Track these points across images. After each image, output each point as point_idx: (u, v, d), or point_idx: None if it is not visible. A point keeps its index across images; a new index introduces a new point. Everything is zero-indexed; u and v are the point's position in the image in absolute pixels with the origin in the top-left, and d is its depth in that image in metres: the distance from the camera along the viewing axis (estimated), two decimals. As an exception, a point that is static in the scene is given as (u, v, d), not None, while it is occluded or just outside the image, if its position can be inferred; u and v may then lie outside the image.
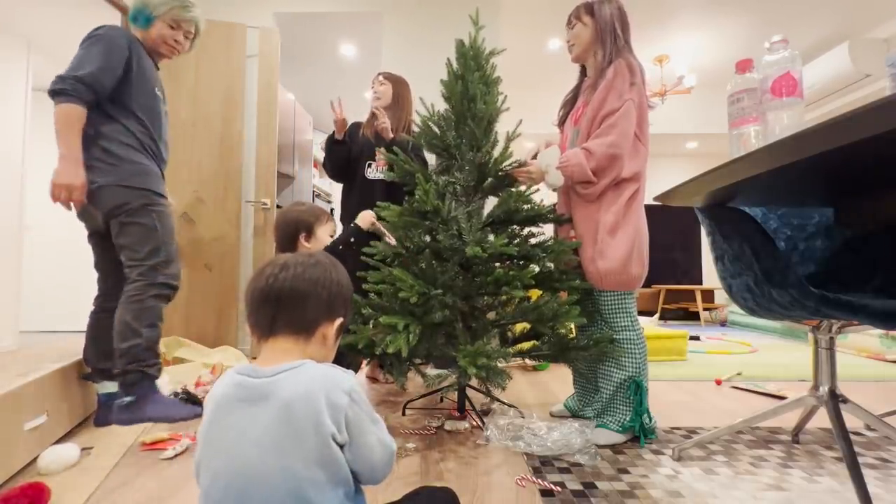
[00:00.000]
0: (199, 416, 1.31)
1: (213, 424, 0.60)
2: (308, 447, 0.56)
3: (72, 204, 1.35)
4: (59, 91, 1.31)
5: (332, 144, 2.11)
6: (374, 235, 1.56)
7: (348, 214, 2.15)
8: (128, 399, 1.36)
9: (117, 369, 1.39)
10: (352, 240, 1.37)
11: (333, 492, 0.58)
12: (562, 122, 1.63)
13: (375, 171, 2.10)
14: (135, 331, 1.38)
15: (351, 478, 0.61)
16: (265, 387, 0.59)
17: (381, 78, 2.17)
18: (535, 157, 1.53)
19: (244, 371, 0.62)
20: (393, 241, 1.46)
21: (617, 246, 1.40)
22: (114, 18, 2.30)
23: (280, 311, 0.65)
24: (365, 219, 1.41)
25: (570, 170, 1.40)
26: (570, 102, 1.62)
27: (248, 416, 0.58)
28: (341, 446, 0.59)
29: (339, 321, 0.69)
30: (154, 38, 1.53)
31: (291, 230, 1.35)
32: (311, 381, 0.59)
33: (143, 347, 1.38)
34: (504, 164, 1.51)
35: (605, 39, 1.45)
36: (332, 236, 1.40)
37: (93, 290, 1.54)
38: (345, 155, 2.12)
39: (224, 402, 0.61)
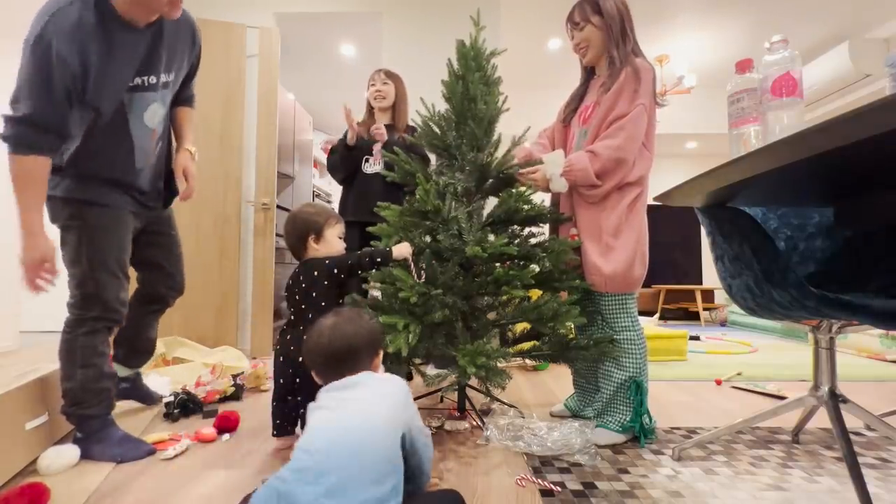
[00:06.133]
0: (151, 453, 1.27)
1: (315, 413, 0.84)
2: (397, 414, 0.83)
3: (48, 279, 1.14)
4: (6, 138, 1.04)
5: (345, 151, 2.10)
6: (366, 233, 1.56)
7: (346, 210, 2.15)
8: (78, 435, 1.26)
9: (61, 408, 1.26)
10: (378, 259, 1.36)
11: (386, 451, 0.78)
12: (567, 120, 1.61)
13: (373, 165, 2.10)
14: (68, 374, 1.24)
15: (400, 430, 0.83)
16: (357, 380, 0.87)
17: (383, 76, 2.15)
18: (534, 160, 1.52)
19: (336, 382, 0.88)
20: (418, 279, 1.38)
21: (621, 249, 1.39)
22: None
23: (345, 362, 0.90)
24: (402, 251, 1.39)
25: (573, 175, 1.39)
26: (577, 99, 1.59)
27: (347, 396, 0.84)
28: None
29: (381, 352, 0.98)
30: None
31: (301, 232, 1.35)
32: (387, 383, 0.89)
33: (78, 391, 1.23)
34: (506, 168, 1.50)
35: (617, 41, 1.43)
36: (340, 238, 1.40)
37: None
38: (358, 158, 2.12)
39: (322, 397, 0.86)
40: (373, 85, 2.16)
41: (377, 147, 2.05)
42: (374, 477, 0.73)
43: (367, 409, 0.81)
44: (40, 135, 1.06)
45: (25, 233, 1.10)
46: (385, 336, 1.00)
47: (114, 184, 1.30)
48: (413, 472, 0.86)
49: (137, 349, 1.58)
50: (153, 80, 1.29)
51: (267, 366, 1.93)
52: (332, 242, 1.37)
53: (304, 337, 0.97)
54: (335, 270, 1.30)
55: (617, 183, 1.39)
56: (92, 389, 1.26)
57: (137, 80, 1.24)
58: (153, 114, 1.33)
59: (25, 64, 1.03)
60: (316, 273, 1.30)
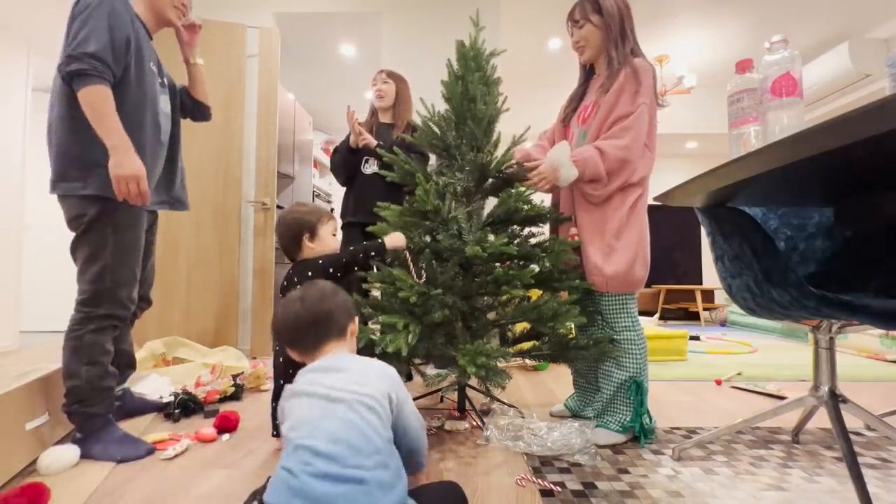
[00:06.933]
0: (151, 453, 1.27)
1: (297, 388, 0.81)
2: (370, 390, 0.79)
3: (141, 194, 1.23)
4: (79, 72, 1.17)
5: (348, 154, 2.11)
6: (366, 233, 1.55)
7: (347, 211, 2.16)
8: (78, 436, 1.26)
9: (63, 407, 1.27)
10: (372, 253, 1.36)
11: (384, 430, 0.77)
12: (566, 120, 1.61)
13: (373, 166, 2.10)
14: (73, 371, 1.25)
15: (392, 435, 0.81)
16: (336, 361, 0.85)
17: (384, 76, 2.16)
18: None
19: (314, 364, 0.87)
20: (418, 279, 1.37)
21: (623, 250, 1.39)
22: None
23: (320, 326, 0.90)
24: (395, 241, 1.38)
25: (583, 163, 1.37)
26: (576, 99, 1.59)
27: (327, 378, 0.81)
28: (391, 405, 0.81)
29: (356, 318, 0.98)
30: (160, 1, 1.39)
31: (294, 232, 1.34)
32: (370, 361, 0.88)
33: (84, 388, 1.25)
34: (505, 166, 1.50)
35: (616, 41, 1.42)
36: (334, 234, 1.40)
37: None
38: (358, 160, 2.12)
39: (305, 378, 0.83)
40: (374, 85, 2.16)
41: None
42: (370, 458, 0.71)
43: (351, 388, 0.78)
44: (106, 67, 1.21)
45: (123, 152, 1.21)
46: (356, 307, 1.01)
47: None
48: (405, 460, 0.84)
49: (118, 364, 1.51)
50: (161, 79, 1.44)
51: (267, 366, 1.93)
52: (327, 240, 1.37)
53: (275, 312, 0.96)
54: (330, 269, 1.30)
55: (621, 184, 1.39)
56: (97, 387, 1.27)
57: (153, 67, 1.40)
58: (165, 103, 1.46)
59: (88, 19, 1.21)
60: (310, 273, 1.29)
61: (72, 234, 1.31)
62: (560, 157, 1.39)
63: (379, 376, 0.83)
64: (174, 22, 1.46)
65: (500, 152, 1.54)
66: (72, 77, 1.18)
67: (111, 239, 1.29)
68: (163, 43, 1.51)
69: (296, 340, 0.90)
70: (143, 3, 1.39)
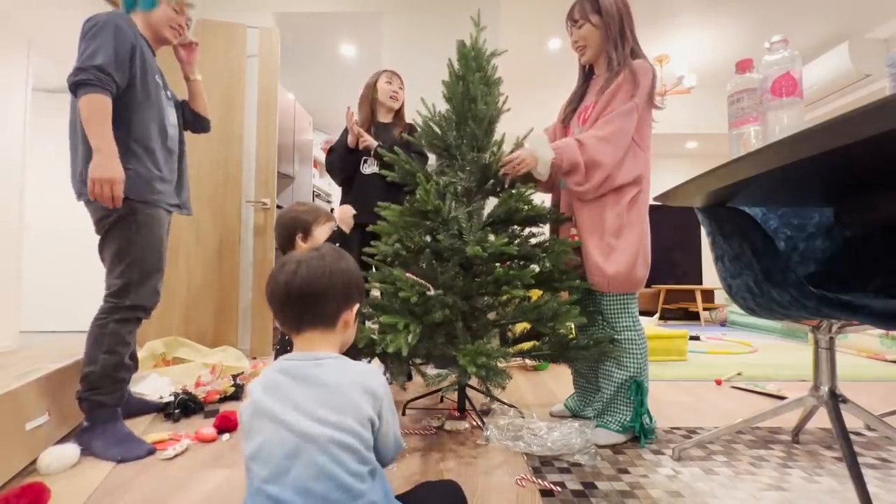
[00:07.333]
0: (151, 453, 1.28)
1: (262, 401, 0.67)
2: (348, 420, 0.65)
3: (113, 198, 1.28)
4: (83, 82, 1.25)
5: (346, 153, 2.10)
6: (366, 233, 1.56)
7: None
8: (85, 424, 1.30)
9: (77, 393, 1.31)
10: (337, 244, 1.36)
11: (362, 465, 0.65)
12: (566, 120, 1.61)
13: (372, 166, 2.10)
14: (92, 358, 1.31)
15: (374, 457, 0.68)
16: (313, 368, 0.69)
17: (399, 81, 2.18)
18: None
19: (291, 358, 0.72)
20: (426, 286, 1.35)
21: (623, 250, 1.39)
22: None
23: (305, 309, 0.74)
24: (343, 218, 1.39)
25: (560, 150, 1.39)
26: (577, 99, 1.59)
27: (298, 392, 0.67)
28: (374, 430, 0.68)
29: (356, 306, 0.78)
30: (157, 21, 1.47)
31: (289, 230, 1.35)
32: (354, 371, 0.71)
33: (98, 375, 1.30)
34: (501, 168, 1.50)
35: (616, 41, 1.42)
36: (330, 236, 1.41)
37: (92, 289, 1.54)
38: (357, 159, 2.12)
39: (274, 384, 0.68)
40: (389, 83, 2.15)
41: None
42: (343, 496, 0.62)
43: (322, 417, 0.65)
44: (109, 79, 1.29)
45: (106, 156, 1.27)
46: (364, 287, 0.85)
47: (155, 168, 1.42)
48: None
49: None
50: (166, 92, 1.53)
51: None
52: (320, 241, 1.38)
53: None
54: None
55: (604, 178, 1.38)
56: (111, 377, 1.32)
57: (158, 80, 1.48)
58: (171, 114, 1.54)
59: (95, 35, 1.30)
60: None
61: (77, 237, 1.36)
62: (537, 143, 1.43)
63: (360, 395, 0.68)
64: (171, 40, 1.53)
65: (499, 152, 1.54)
66: (77, 86, 1.25)
67: (135, 237, 1.37)
68: (163, 61, 1.58)
69: (278, 313, 0.76)
70: (142, 23, 1.47)
